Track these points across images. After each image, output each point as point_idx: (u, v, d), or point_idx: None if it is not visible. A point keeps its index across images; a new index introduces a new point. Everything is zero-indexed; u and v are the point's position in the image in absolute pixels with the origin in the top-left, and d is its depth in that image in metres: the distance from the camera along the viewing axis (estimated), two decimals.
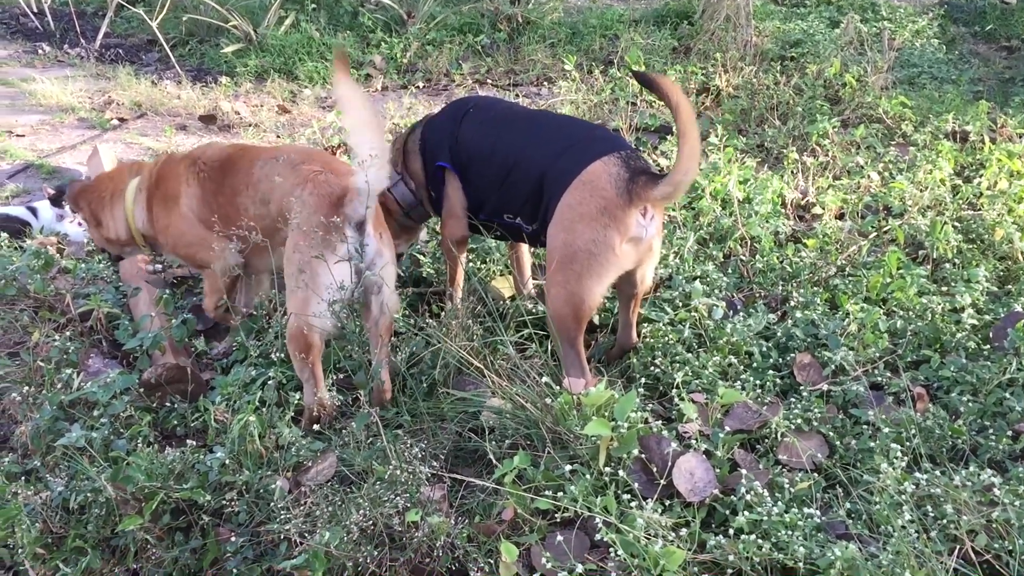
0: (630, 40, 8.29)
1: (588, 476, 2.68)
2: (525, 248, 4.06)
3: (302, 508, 2.63)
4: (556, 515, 2.62)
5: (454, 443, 3.08)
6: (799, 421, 3.05)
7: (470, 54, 8.62)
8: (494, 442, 2.93)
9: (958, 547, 2.46)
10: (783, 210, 4.88)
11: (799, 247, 4.40)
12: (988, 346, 3.52)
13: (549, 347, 3.44)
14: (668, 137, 5.89)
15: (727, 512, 2.67)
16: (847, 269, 4.21)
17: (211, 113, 6.98)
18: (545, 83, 7.97)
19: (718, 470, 2.78)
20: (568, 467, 2.69)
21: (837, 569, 2.34)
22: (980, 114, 5.97)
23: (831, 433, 3.05)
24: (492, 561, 2.53)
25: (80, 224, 4.82)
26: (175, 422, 3.33)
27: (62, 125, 6.86)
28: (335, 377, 3.22)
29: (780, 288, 4.05)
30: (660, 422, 2.99)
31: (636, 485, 2.67)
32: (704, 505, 2.68)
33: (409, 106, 6.93)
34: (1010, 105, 6.72)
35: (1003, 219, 4.51)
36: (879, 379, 3.37)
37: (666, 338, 3.58)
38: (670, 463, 2.71)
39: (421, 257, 4.42)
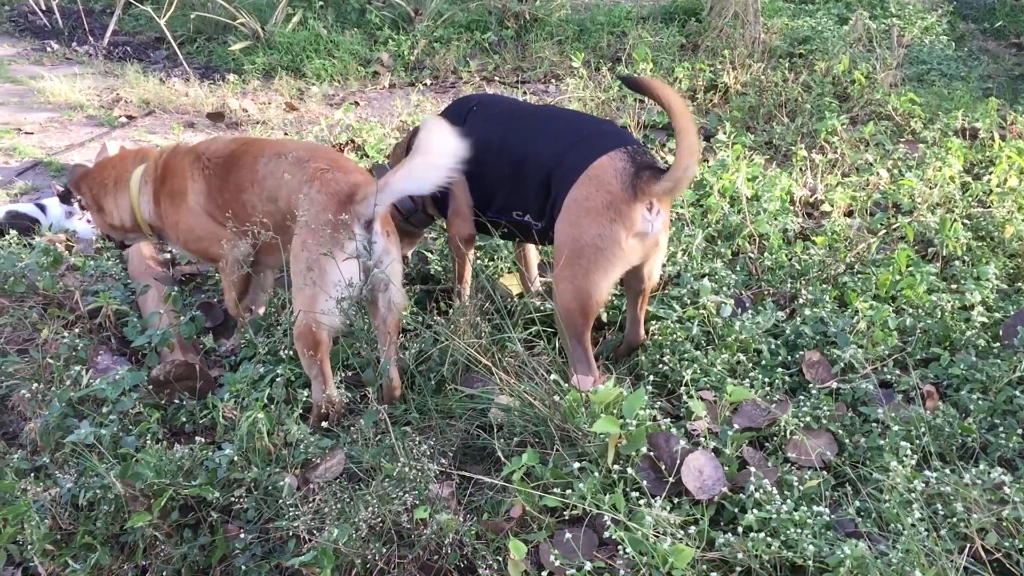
0: (638, 37, 8.27)
1: (596, 474, 2.67)
2: (532, 245, 4.05)
3: (311, 505, 2.63)
4: (565, 513, 2.62)
5: (462, 440, 3.08)
6: (808, 419, 3.04)
7: (477, 51, 8.61)
8: (502, 439, 2.93)
9: (968, 545, 2.45)
10: (792, 207, 4.87)
11: (808, 244, 4.39)
12: (998, 344, 3.50)
13: (557, 344, 3.43)
14: None
15: (736, 510, 2.66)
16: (856, 266, 4.19)
17: (219, 111, 6.98)
18: (552, 80, 7.95)
19: (727, 468, 2.77)
20: (576, 464, 2.68)
21: (847, 567, 2.33)
22: (990, 111, 5.94)
23: (840, 431, 3.04)
24: (501, 558, 2.53)
25: (89, 221, 4.83)
26: (183, 419, 3.34)
27: (71, 123, 6.88)
28: (343, 374, 3.22)
29: (789, 285, 4.03)
30: (669, 420, 2.99)
31: (645, 483, 2.67)
32: (713, 503, 2.67)
33: (416, 103, 6.92)
34: (1020, 102, 6.69)
35: (1013, 216, 4.50)
36: (888, 377, 3.35)
37: (674, 335, 3.57)
38: (679, 461, 2.70)
39: (429, 255, 4.42)
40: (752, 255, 4.32)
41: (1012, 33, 9.31)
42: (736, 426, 2.96)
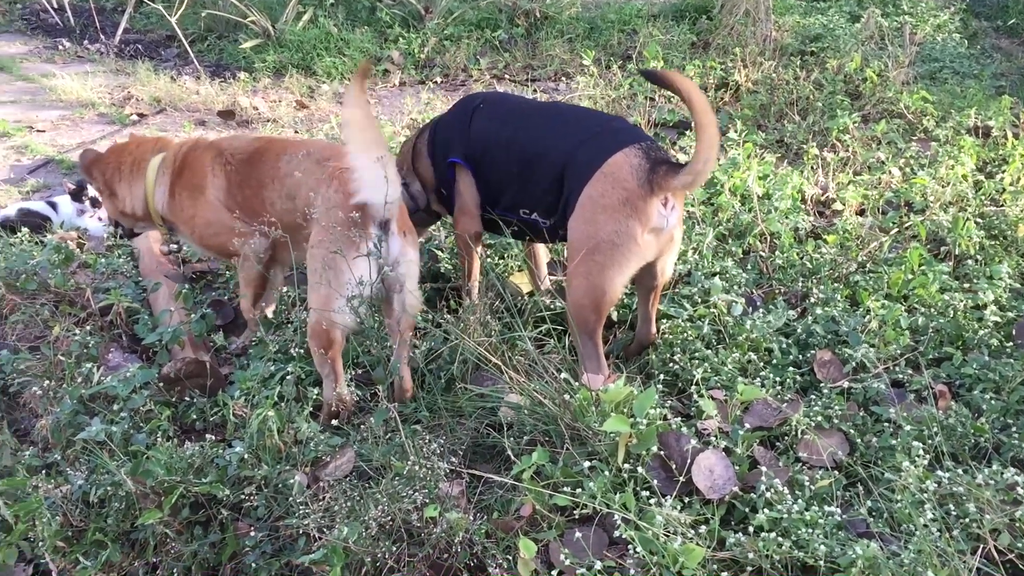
0: (649, 35, 8.25)
1: (607, 473, 2.67)
2: (541, 244, 4.05)
3: (321, 503, 2.63)
4: (575, 512, 2.61)
5: (472, 439, 3.08)
6: (819, 418, 3.03)
7: (488, 49, 8.60)
8: (512, 438, 2.92)
9: (981, 546, 2.44)
10: (803, 206, 4.85)
11: (819, 243, 4.37)
12: (1011, 343, 3.48)
13: (567, 343, 3.43)
14: (687, 132, 5.86)
15: (747, 510, 2.65)
16: (868, 265, 4.18)
17: (230, 108, 7.00)
18: (563, 78, 7.94)
19: (738, 467, 2.76)
20: (587, 463, 2.67)
21: (858, 568, 2.32)
22: (1003, 109, 5.91)
23: (852, 431, 3.02)
24: (510, 557, 2.52)
25: (100, 219, 4.85)
26: (194, 416, 3.34)
27: (82, 120, 6.90)
28: (353, 372, 3.22)
29: (800, 284, 4.02)
30: (679, 419, 2.98)
31: (655, 482, 2.66)
32: (723, 502, 2.66)
33: (427, 101, 6.92)
34: None
35: None
36: (900, 376, 3.34)
37: (685, 334, 3.57)
38: (689, 460, 2.69)
39: (439, 253, 4.41)
40: (763, 254, 4.30)
41: None
42: (747, 425, 2.95)
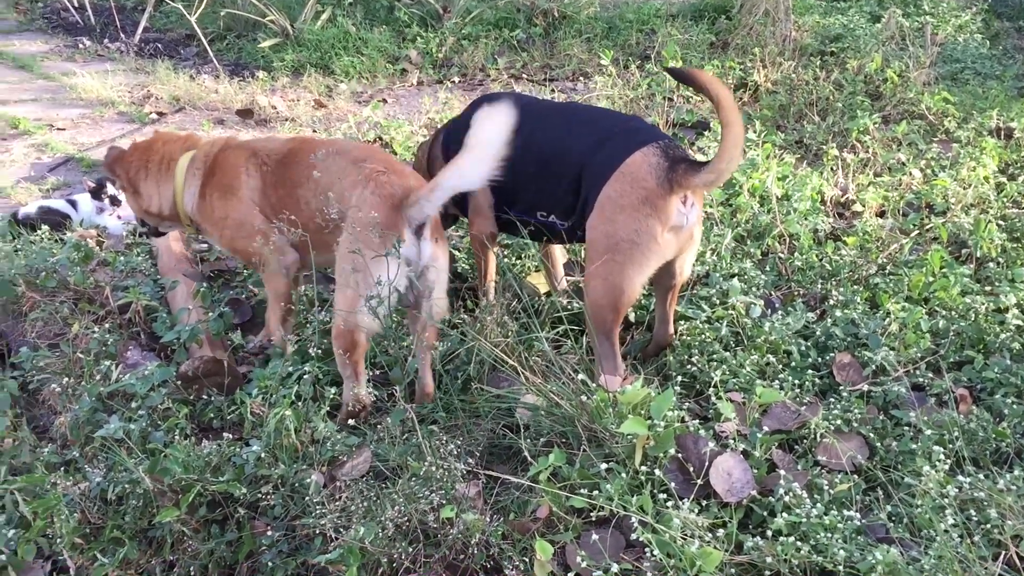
0: (667, 35, 8.22)
1: (624, 475, 2.65)
2: (558, 245, 4.04)
3: (337, 503, 2.63)
4: (591, 514, 2.60)
5: (488, 440, 3.07)
6: (839, 422, 3.01)
7: (506, 49, 8.59)
8: (529, 439, 2.91)
9: (1002, 552, 2.41)
10: (822, 207, 4.82)
11: (839, 245, 4.33)
12: None
13: (585, 343, 3.41)
14: (705, 133, 5.83)
15: (765, 513, 2.64)
16: (888, 268, 4.14)
17: (248, 107, 7.02)
18: (581, 78, 7.92)
19: (756, 470, 2.74)
20: (604, 465, 2.66)
21: (878, 573, 2.31)
22: None
23: (871, 434, 3.00)
24: (527, 559, 2.52)
25: (119, 217, 4.87)
26: (211, 415, 3.35)
27: (102, 119, 6.94)
28: (371, 373, 3.21)
29: (819, 286, 3.99)
30: (697, 421, 2.96)
31: (672, 485, 2.64)
32: (741, 506, 2.65)
33: (445, 101, 6.92)
34: None
35: None
36: (921, 380, 3.32)
37: (703, 336, 3.55)
38: (707, 463, 2.68)
39: (456, 252, 4.41)
40: (782, 255, 4.28)
41: None
42: (765, 428, 2.92)
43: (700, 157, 5.43)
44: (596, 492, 2.59)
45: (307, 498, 2.76)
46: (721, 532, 2.49)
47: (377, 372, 3.25)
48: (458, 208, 3.85)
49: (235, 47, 8.93)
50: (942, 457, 2.72)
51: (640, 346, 3.72)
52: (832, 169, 5.30)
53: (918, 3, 9.26)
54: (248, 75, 8.00)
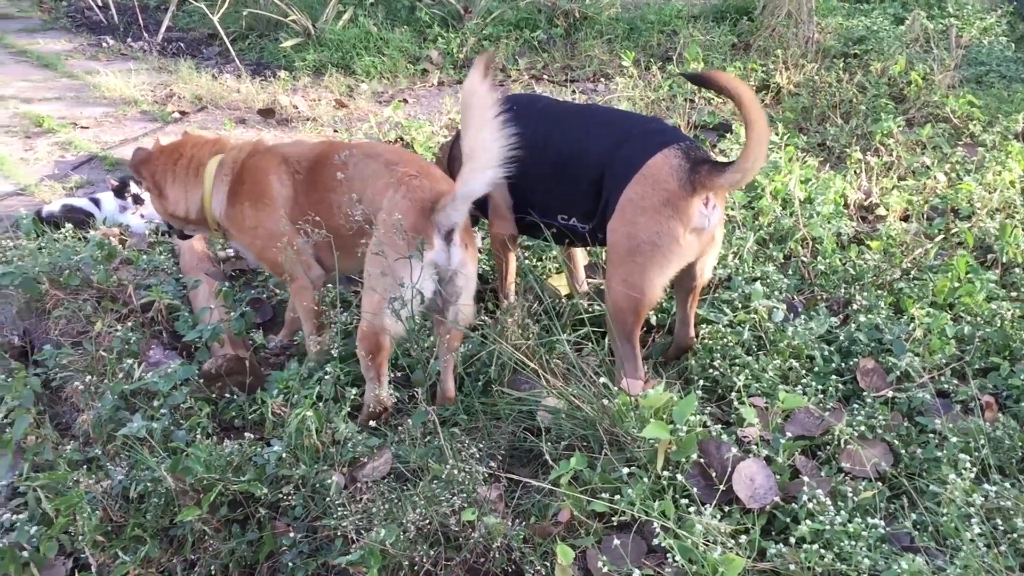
0: (689, 36, 8.18)
1: (646, 479, 2.64)
2: (578, 248, 4.02)
3: (358, 504, 2.63)
4: (613, 518, 2.59)
5: (509, 442, 3.06)
6: (862, 428, 2.98)
7: (526, 50, 8.59)
8: (550, 443, 2.90)
9: None
10: (845, 211, 4.78)
11: (862, 249, 4.30)
12: None
13: (606, 346, 3.40)
14: (727, 135, 5.80)
15: (788, 520, 2.62)
16: (912, 272, 4.10)
17: (270, 107, 7.04)
18: (602, 79, 7.90)
19: (779, 476, 2.72)
20: (625, 470, 2.65)
21: None
22: None
23: (896, 441, 2.97)
24: (548, 563, 2.51)
25: (142, 216, 4.89)
26: (233, 414, 3.36)
27: (125, 118, 6.98)
28: (392, 374, 3.21)
29: (843, 291, 3.96)
30: (719, 426, 2.94)
31: (695, 490, 2.63)
32: (764, 512, 2.63)
33: None
34: None
35: None
36: (946, 386, 3.28)
37: (725, 340, 3.52)
38: (730, 468, 2.66)
39: (477, 254, 4.40)
40: (805, 259, 4.24)
41: None
42: (789, 434, 2.90)
43: (722, 159, 5.42)
44: (618, 497, 2.58)
45: (328, 499, 2.76)
46: (744, 538, 2.47)
47: (398, 374, 3.24)
48: (479, 210, 3.84)
49: (257, 47, 8.97)
50: (968, 465, 2.69)
51: (661, 349, 3.70)
52: (855, 172, 5.26)
53: (942, 5, 9.18)
54: (270, 75, 8.03)
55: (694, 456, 2.69)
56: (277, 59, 8.48)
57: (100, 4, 10.14)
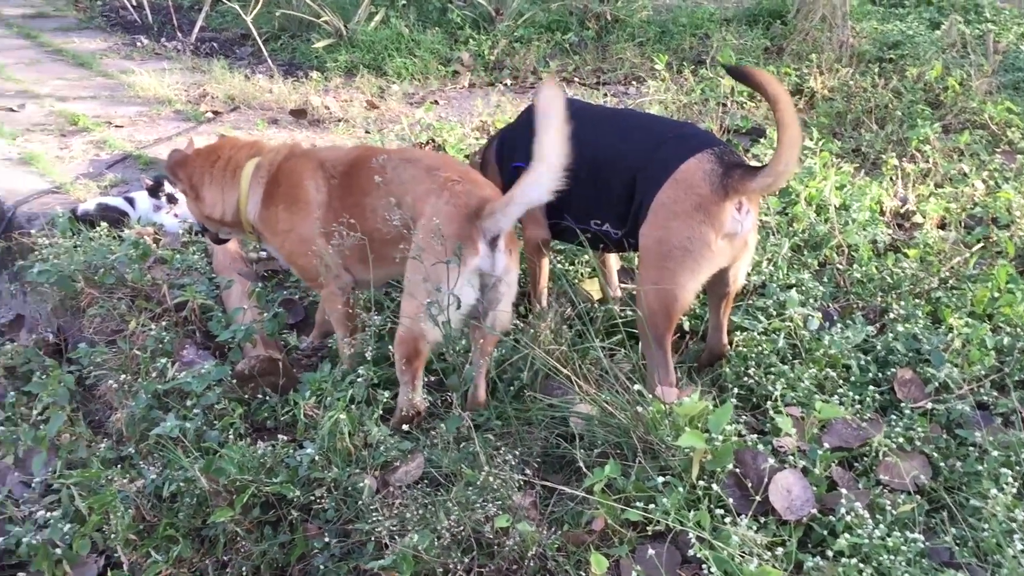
0: (722, 40, 8.13)
1: (680, 489, 2.61)
2: (611, 253, 4.00)
3: (391, 509, 2.62)
4: (647, 528, 2.56)
5: (542, 448, 3.04)
6: (901, 440, 2.94)
7: (557, 52, 8.56)
8: (583, 449, 2.88)
9: None
10: (881, 218, 4.72)
11: (899, 257, 4.24)
12: None
13: (640, 351, 3.37)
14: (761, 140, 5.75)
15: (825, 532, 2.58)
16: (950, 282, 4.04)
17: (302, 107, 7.06)
18: (633, 82, 7.86)
19: (815, 488, 2.69)
20: (660, 479, 2.62)
21: None
22: None
23: (934, 454, 2.92)
24: (582, 573, 2.48)
25: (176, 215, 4.92)
26: (265, 415, 3.37)
27: (159, 117, 7.03)
28: (426, 379, 3.20)
29: (879, 299, 3.90)
30: (755, 436, 2.91)
31: (730, 500, 2.59)
32: (801, 524, 2.59)
33: (497, 104, 6.91)
34: None
35: None
36: (985, 398, 3.22)
37: (759, 348, 3.48)
38: (766, 479, 2.62)
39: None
40: (840, 266, 4.19)
41: None
42: (826, 445, 2.86)
43: (754, 163, 5.38)
44: (652, 505, 2.55)
45: (360, 502, 2.75)
46: (780, 551, 2.44)
47: (431, 378, 3.23)
48: None
49: (289, 47, 9.01)
50: (1010, 479, 2.64)
51: (694, 356, 3.67)
52: (891, 179, 5.19)
53: (979, 10, 9.07)
54: (302, 75, 8.05)
55: (730, 466, 2.65)
56: (309, 60, 8.51)
57: (135, 4, 10.23)
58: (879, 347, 3.49)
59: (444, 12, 9.12)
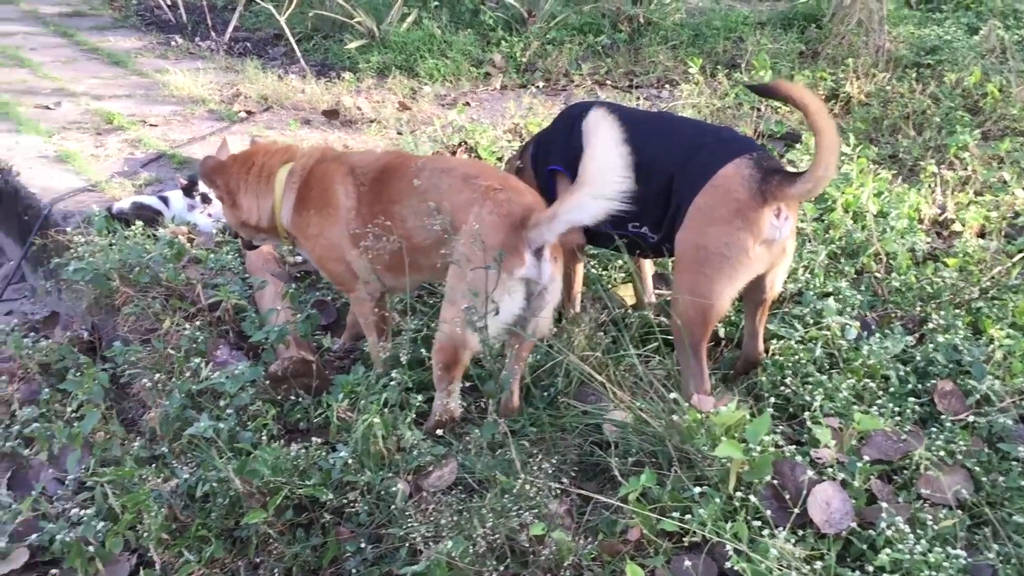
0: (756, 43, 8.06)
1: (717, 499, 2.57)
2: (647, 258, 3.97)
3: (425, 514, 2.61)
4: (683, 538, 2.52)
5: (576, 455, 3.01)
6: (942, 453, 2.88)
7: (590, 54, 8.53)
8: (617, 457, 2.85)
9: None
10: (920, 226, 4.64)
11: (938, 266, 4.17)
12: None
13: (675, 359, 3.34)
14: (796, 145, 5.69)
15: (864, 547, 2.53)
16: (991, 292, 3.96)
17: (334, 108, 7.08)
18: (666, 85, 7.81)
19: (854, 501, 2.64)
20: (697, 489, 2.59)
21: None
22: None
23: (976, 468, 2.87)
24: None
25: (210, 215, 4.93)
26: (298, 416, 3.36)
27: (192, 116, 7.07)
28: (462, 384, 3.18)
29: (918, 309, 3.84)
30: (792, 446, 2.86)
31: (768, 512, 2.55)
32: (840, 538, 2.55)
33: (529, 106, 6.88)
34: None
35: None
36: None
37: (796, 356, 3.44)
38: (805, 491, 2.58)
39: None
40: (878, 275, 4.13)
41: None
42: (866, 457, 2.81)
43: (790, 169, 5.32)
44: (688, 516, 2.52)
45: (392, 507, 2.74)
46: (819, 564, 2.39)
47: (466, 383, 3.21)
48: None
49: (321, 48, 9.04)
50: None
51: (729, 363, 3.63)
52: (930, 186, 5.11)
53: (1018, 15, 8.92)
54: (334, 76, 8.07)
55: (768, 477, 2.62)
56: (341, 60, 8.53)
57: (169, 3, 10.31)
58: (918, 358, 3.43)
59: (476, 14, 9.11)
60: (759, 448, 2.65)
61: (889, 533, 2.48)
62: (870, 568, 2.41)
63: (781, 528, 2.49)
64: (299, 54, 8.46)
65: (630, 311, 3.86)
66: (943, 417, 3.11)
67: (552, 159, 3.58)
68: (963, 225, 4.67)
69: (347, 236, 3.34)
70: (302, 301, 4.05)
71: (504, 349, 3.21)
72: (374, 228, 3.18)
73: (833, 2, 8.46)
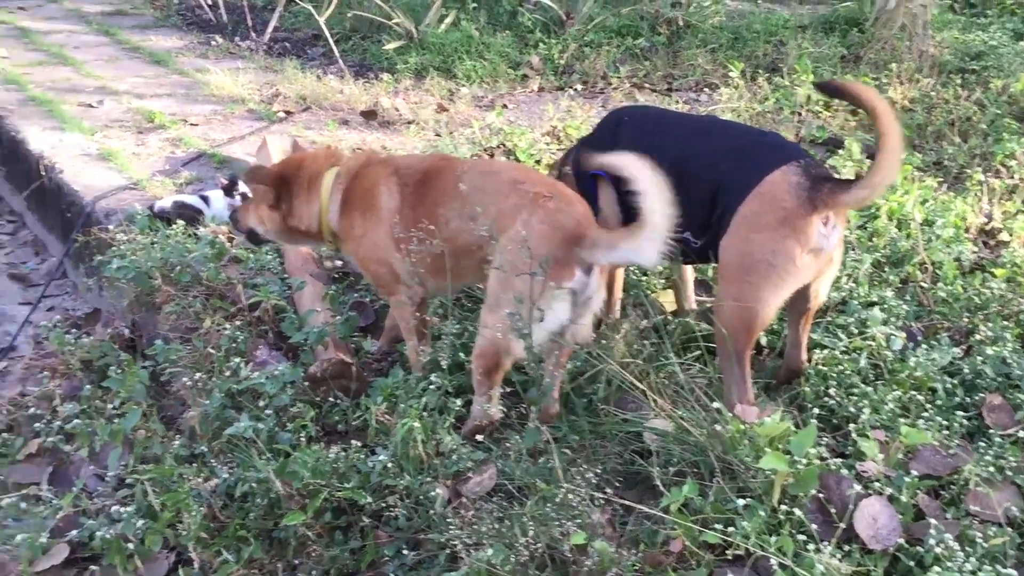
0: (797, 47, 7.97)
1: (761, 512, 2.53)
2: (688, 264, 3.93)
3: (464, 520, 2.59)
4: (726, 551, 2.49)
5: (617, 464, 2.98)
6: (991, 468, 2.82)
7: (628, 57, 8.48)
8: (658, 466, 2.82)
9: None
10: (966, 235, 4.56)
11: (986, 276, 4.09)
12: None
13: (717, 367, 3.30)
14: (838, 151, 5.61)
15: (912, 564, 2.48)
16: None
17: (372, 108, 7.09)
18: (705, 89, 7.75)
19: (902, 516, 2.59)
20: (740, 501, 2.55)
21: None
22: None
23: None
24: None
25: None
26: (336, 418, 3.36)
27: (232, 116, 7.10)
28: (502, 389, 3.16)
29: (965, 320, 3.77)
30: (839, 459, 2.81)
31: (813, 526, 2.51)
32: (887, 554, 2.50)
33: (567, 108, 6.85)
34: None
35: None
36: None
37: (840, 367, 3.38)
38: (851, 505, 2.54)
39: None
40: (924, 285, 4.06)
41: None
42: (914, 472, 2.76)
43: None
44: (731, 528, 2.48)
45: (431, 512, 2.73)
46: None
47: (506, 388, 3.19)
48: None
49: (360, 48, 9.06)
50: None
51: (771, 372, 3.58)
52: (976, 194, 5.03)
53: None
54: (372, 77, 8.08)
55: (813, 490, 2.57)
56: (380, 61, 8.54)
57: (210, 3, 10.39)
58: (966, 370, 3.36)
59: (514, 15, 9.09)
60: (804, 460, 2.61)
61: (938, 550, 2.43)
62: None
63: (826, 543, 2.45)
64: (337, 55, 8.49)
65: (671, 317, 3.82)
66: (991, 431, 3.05)
67: (595, 164, 3.56)
68: (1010, 235, 4.58)
69: (391, 238, 3.33)
70: (341, 302, 4.05)
71: (544, 355, 3.19)
72: (421, 229, 3.16)
73: (876, 6, 8.35)
